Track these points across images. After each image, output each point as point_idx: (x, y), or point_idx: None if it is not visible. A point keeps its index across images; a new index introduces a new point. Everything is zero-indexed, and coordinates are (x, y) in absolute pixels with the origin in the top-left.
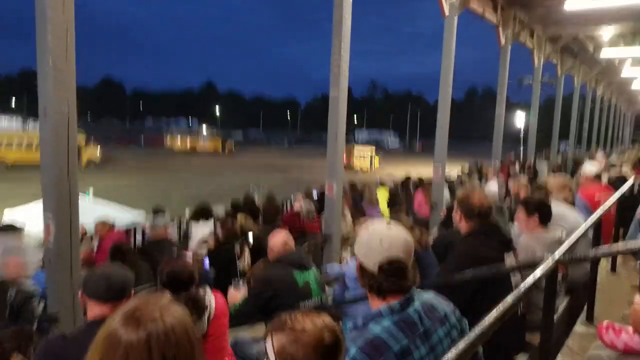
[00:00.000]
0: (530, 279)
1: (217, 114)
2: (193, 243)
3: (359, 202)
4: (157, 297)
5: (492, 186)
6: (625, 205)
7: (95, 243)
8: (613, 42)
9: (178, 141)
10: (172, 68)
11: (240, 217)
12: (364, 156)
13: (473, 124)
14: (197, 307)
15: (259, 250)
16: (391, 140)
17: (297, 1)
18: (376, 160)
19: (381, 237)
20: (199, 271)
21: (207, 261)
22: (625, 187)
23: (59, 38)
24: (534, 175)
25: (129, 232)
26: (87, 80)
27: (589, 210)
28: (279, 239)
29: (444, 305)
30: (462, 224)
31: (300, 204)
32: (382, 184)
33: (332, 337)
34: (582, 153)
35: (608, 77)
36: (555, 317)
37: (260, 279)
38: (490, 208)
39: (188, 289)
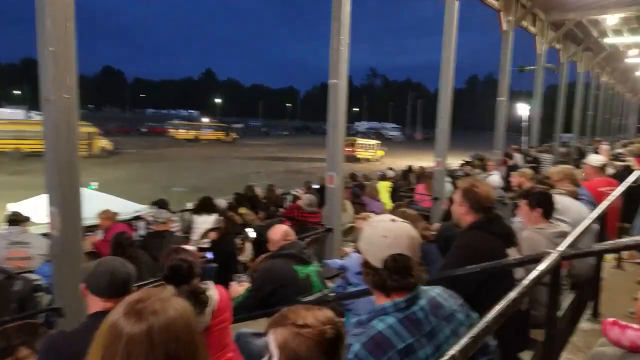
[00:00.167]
0: (534, 274)
1: (217, 102)
2: (195, 236)
3: (359, 194)
4: (159, 290)
5: (494, 178)
6: (630, 198)
7: (99, 235)
8: (617, 28)
9: (181, 130)
10: (173, 58)
11: (242, 210)
12: (367, 148)
13: (475, 114)
14: (199, 300)
15: (261, 243)
16: (391, 130)
17: None
18: (380, 152)
19: (385, 232)
20: (201, 265)
21: (209, 255)
22: (631, 179)
23: (58, 24)
24: (536, 166)
25: (131, 224)
26: (87, 69)
27: (593, 202)
28: (280, 232)
29: (451, 301)
30: (466, 217)
31: (301, 196)
32: (383, 176)
33: (334, 331)
34: (586, 143)
35: (612, 63)
36: (560, 313)
37: (262, 272)
38: (495, 200)
39: (190, 282)
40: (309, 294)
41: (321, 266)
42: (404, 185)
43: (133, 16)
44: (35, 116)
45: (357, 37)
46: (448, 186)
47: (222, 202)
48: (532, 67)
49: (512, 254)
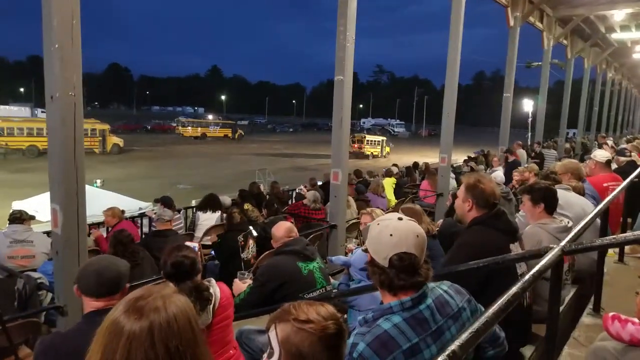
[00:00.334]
0: (535, 269)
1: (223, 98)
2: (199, 233)
3: (363, 191)
4: (160, 287)
5: (498, 173)
6: (634, 193)
7: (104, 232)
8: (625, 23)
9: (189, 127)
10: (179, 55)
11: (247, 206)
12: (374, 144)
13: (481, 110)
14: (201, 297)
15: (265, 240)
16: (397, 126)
17: None
18: (387, 149)
19: (392, 230)
20: (204, 262)
21: (212, 252)
22: (634, 174)
23: (64, 22)
24: (540, 162)
25: (135, 221)
26: (94, 66)
27: (597, 197)
28: (283, 229)
29: (458, 298)
30: (471, 213)
31: (305, 193)
32: (388, 173)
33: (336, 327)
34: (592, 139)
35: (619, 59)
36: (562, 308)
37: (265, 269)
38: (499, 196)
39: (192, 279)
40: (312, 290)
41: (325, 262)
42: (409, 182)
43: (139, 13)
44: (41, 114)
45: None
46: (453, 182)
47: (226, 199)
48: (539, 63)
49: (515, 249)
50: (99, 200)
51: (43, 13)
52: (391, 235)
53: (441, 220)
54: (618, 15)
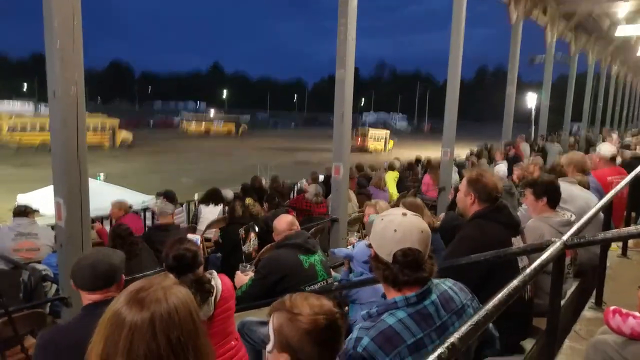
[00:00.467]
0: (537, 263)
1: (224, 96)
2: (202, 226)
3: (365, 185)
4: (161, 279)
5: (501, 167)
6: (638, 186)
7: (108, 226)
8: (629, 19)
9: (192, 124)
10: (180, 51)
11: (248, 201)
12: (378, 139)
13: (484, 105)
14: (202, 289)
15: (266, 233)
16: (399, 121)
17: None
18: (390, 143)
19: (396, 226)
20: (206, 254)
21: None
22: (639, 168)
23: (65, 20)
24: (543, 156)
25: (139, 214)
26: (95, 63)
27: (602, 192)
28: (285, 222)
29: (461, 295)
30: (473, 207)
31: (307, 187)
32: (391, 167)
33: (327, 322)
34: (596, 134)
35: (623, 54)
36: (563, 301)
37: (266, 262)
38: (501, 190)
39: (193, 272)
40: (314, 283)
41: (326, 255)
42: (411, 176)
43: (139, 12)
44: (44, 108)
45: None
46: (455, 176)
47: (228, 192)
48: (542, 56)
49: (517, 243)
50: (102, 194)
51: (44, 13)
52: (395, 230)
53: (443, 214)
54: (622, 10)
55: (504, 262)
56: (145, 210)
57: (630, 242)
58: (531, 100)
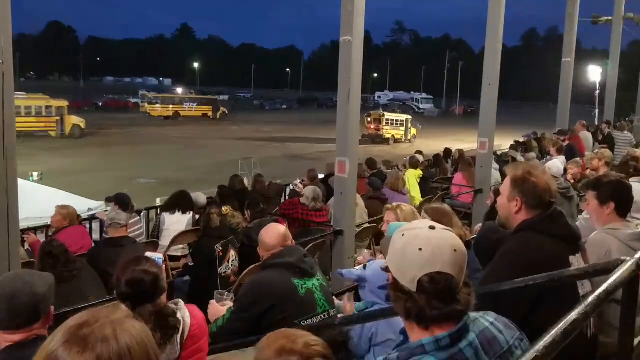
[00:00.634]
0: (602, 289)
1: (196, 67)
2: (165, 241)
3: (379, 186)
4: (110, 311)
5: (555, 163)
6: None
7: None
8: None
9: (157, 105)
10: (138, 10)
11: (226, 209)
12: (396, 125)
13: (532, 80)
14: (165, 325)
15: (250, 250)
16: (423, 103)
17: None
18: (413, 130)
19: (421, 243)
20: (170, 278)
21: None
22: None
23: None
24: (610, 147)
25: (85, 225)
26: (29, 26)
27: None
28: (275, 236)
29: (507, 333)
30: (519, 215)
31: (302, 190)
32: (412, 163)
33: None
34: None
35: None
36: (637, 339)
37: (249, 288)
38: (556, 193)
39: (153, 301)
40: (312, 315)
41: (328, 279)
42: (438, 174)
43: None
44: None
45: None
46: (495, 175)
47: (200, 196)
48: (609, 18)
49: (576, 262)
50: (35, 199)
51: None
52: (420, 249)
53: (480, 225)
54: None
55: (559, 288)
56: (92, 220)
57: None
58: (594, 73)
